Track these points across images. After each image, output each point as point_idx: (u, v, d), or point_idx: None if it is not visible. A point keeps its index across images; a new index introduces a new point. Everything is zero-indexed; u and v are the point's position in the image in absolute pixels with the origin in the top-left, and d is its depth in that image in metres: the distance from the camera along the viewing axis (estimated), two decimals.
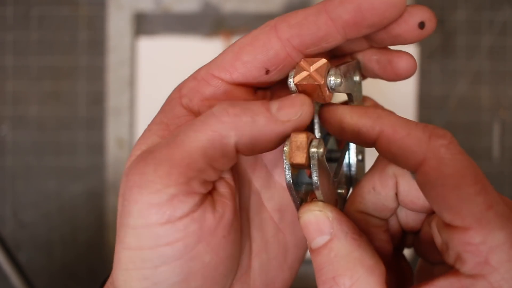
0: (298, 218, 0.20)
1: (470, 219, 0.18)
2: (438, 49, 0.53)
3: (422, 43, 0.53)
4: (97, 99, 0.54)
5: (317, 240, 0.20)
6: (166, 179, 0.18)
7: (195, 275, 0.19)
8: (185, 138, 0.19)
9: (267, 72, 0.21)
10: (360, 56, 0.23)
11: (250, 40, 0.21)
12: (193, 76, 0.22)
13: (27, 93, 0.54)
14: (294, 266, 0.24)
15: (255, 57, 0.21)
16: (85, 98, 0.54)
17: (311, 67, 0.20)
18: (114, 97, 0.54)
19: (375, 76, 0.24)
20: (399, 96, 0.52)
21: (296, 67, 0.21)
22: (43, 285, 0.54)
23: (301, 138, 0.19)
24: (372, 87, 0.51)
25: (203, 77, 0.22)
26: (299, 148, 0.19)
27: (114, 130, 0.54)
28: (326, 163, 0.20)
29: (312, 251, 0.20)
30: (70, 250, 0.54)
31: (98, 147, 0.54)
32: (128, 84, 0.53)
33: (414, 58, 0.23)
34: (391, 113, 0.21)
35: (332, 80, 0.20)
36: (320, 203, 0.20)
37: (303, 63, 0.20)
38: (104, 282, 0.24)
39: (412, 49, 0.51)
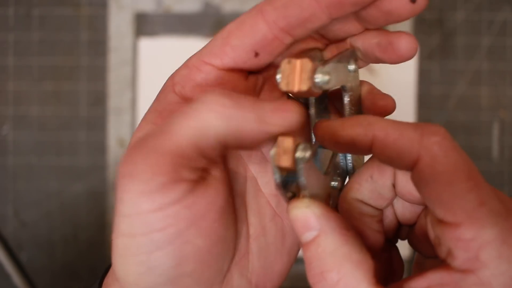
0: (287, 211, 0.21)
1: (462, 215, 0.18)
2: (437, 49, 0.54)
3: (422, 43, 0.53)
4: (98, 99, 0.54)
5: (306, 236, 0.20)
6: (156, 167, 0.19)
7: (189, 259, 0.20)
8: (175, 126, 0.19)
9: (256, 54, 0.21)
10: (360, 42, 0.24)
11: (238, 24, 0.22)
12: (185, 64, 0.22)
13: (28, 93, 0.54)
14: (292, 250, 0.25)
15: (243, 41, 0.21)
16: (86, 98, 0.54)
17: (296, 70, 0.20)
18: (115, 97, 0.54)
19: (377, 60, 0.24)
20: (398, 96, 0.52)
21: (281, 68, 0.20)
22: (45, 284, 0.54)
23: (288, 142, 0.19)
24: None
25: (194, 64, 0.22)
26: (285, 152, 0.20)
27: (115, 130, 0.54)
28: (314, 164, 0.21)
29: (302, 246, 0.20)
30: (72, 250, 0.54)
31: (99, 147, 0.54)
32: (129, 84, 0.54)
33: (414, 37, 0.23)
34: (382, 118, 0.21)
35: (319, 79, 0.20)
36: (306, 200, 0.20)
37: (287, 66, 0.20)
38: (107, 270, 0.24)
39: None
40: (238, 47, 0.22)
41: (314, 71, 0.20)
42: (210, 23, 0.54)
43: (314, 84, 0.20)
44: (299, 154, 0.19)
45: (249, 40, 0.21)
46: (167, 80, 0.23)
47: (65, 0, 0.54)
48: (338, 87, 0.22)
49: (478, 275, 0.18)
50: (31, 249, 0.54)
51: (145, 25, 0.54)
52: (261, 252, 0.24)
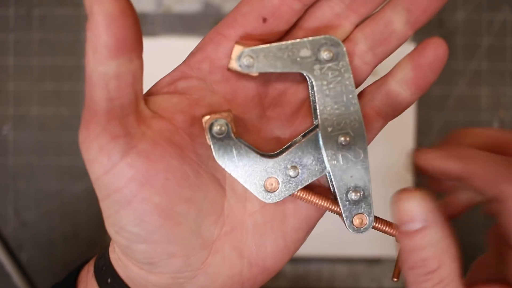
0: (395, 201, 0.22)
1: None
2: None
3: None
4: None
5: (410, 225, 0.21)
6: (92, 133, 0.20)
7: (151, 215, 0.21)
8: (91, 91, 0.20)
9: (264, 20, 0.22)
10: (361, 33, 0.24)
11: None
12: (204, 39, 0.24)
13: (28, 93, 0.54)
14: (289, 236, 0.25)
15: (251, 7, 0.22)
16: None
17: (233, 51, 0.22)
18: None
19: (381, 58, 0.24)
20: None
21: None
22: (45, 284, 0.54)
23: (205, 119, 0.22)
24: None
25: (210, 37, 0.23)
26: (205, 129, 0.22)
27: None
28: (238, 141, 0.22)
29: (401, 233, 0.21)
30: (72, 249, 0.54)
31: None
32: None
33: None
34: (476, 151, 0.23)
35: (240, 62, 0.22)
36: (419, 193, 0.21)
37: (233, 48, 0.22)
38: (81, 265, 0.28)
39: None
40: (247, 14, 0.22)
41: (240, 55, 0.22)
42: (210, 23, 0.54)
43: (240, 65, 0.22)
44: (215, 128, 0.22)
45: (257, 6, 0.22)
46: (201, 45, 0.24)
47: (65, 0, 0.54)
48: (281, 71, 0.23)
49: None
50: (31, 249, 0.54)
51: (145, 25, 0.54)
52: (256, 228, 0.24)
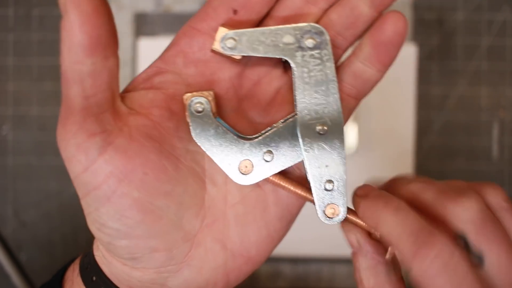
0: (341, 227, 0.24)
1: None
2: (437, 50, 0.54)
3: (422, 43, 0.53)
4: None
5: (354, 249, 0.24)
6: (69, 131, 0.20)
7: (131, 211, 0.22)
8: (67, 89, 0.20)
9: (235, 12, 0.22)
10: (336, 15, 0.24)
11: None
12: (179, 33, 0.24)
13: (28, 93, 0.54)
14: (271, 225, 0.25)
15: (222, 0, 0.23)
16: None
17: (217, 33, 0.22)
18: None
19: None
20: (398, 96, 0.52)
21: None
22: None
23: (186, 96, 0.22)
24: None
25: (184, 31, 0.24)
26: (185, 106, 0.23)
27: None
28: (216, 121, 0.23)
29: (352, 253, 0.24)
30: (71, 250, 0.54)
31: None
32: None
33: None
34: (390, 213, 0.22)
35: (223, 44, 0.22)
36: (347, 224, 0.24)
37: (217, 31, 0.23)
38: (66, 265, 0.28)
39: (411, 49, 0.51)
40: (218, 7, 0.23)
41: (224, 37, 0.22)
42: None
43: (222, 47, 0.22)
44: (193, 107, 0.22)
45: None
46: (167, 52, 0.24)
47: None
48: (263, 55, 0.23)
49: None
50: (31, 249, 0.54)
51: (144, 25, 0.54)
52: (238, 219, 0.24)
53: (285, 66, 0.25)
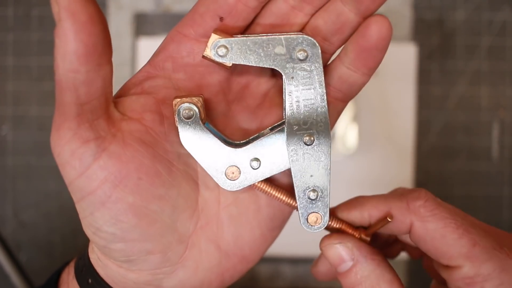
0: (320, 248, 0.25)
1: (461, 259, 0.22)
2: (437, 49, 0.54)
3: (422, 43, 0.53)
4: None
5: (342, 267, 0.24)
6: (63, 137, 0.21)
7: (126, 215, 0.22)
8: (61, 96, 0.20)
9: (221, 19, 0.23)
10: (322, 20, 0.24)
11: None
12: (167, 38, 0.24)
13: (27, 93, 0.54)
14: (264, 225, 0.25)
15: (208, 7, 0.23)
16: None
17: (209, 40, 0.23)
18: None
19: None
20: (398, 96, 0.52)
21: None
22: None
23: (175, 101, 0.23)
24: (371, 87, 0.51)
25: (172, 35, 0.24)
26: (174, 111, 0.23)
27: None
28: (204, 127, 0.23)
29: (339, 274, 0.24)
30: (71, 250, 0.54)
31: None
32: None
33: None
34: (370, 197, 0.25)
35: (214, 51, 0.22)
36: (336, 235, 0.24)
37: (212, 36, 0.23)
38: (61, 268, 0.27)
39: (411, 49, 0.51)
40: (204, 14, 0.23)
41: (216, 44, 0.22)
42: None
43: (214, 54, 0.22)
44: (182, 112, 0.23)
45: (213, 6, 0.22)
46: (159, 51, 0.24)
47: None
48: (254, 65, 0.23)
49: None
50: (30, 249, 0.54)
51: (144, 25, 0.54)
52: (231, 220, 0.25)
53: (273, 69, 0.25)
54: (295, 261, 0.53)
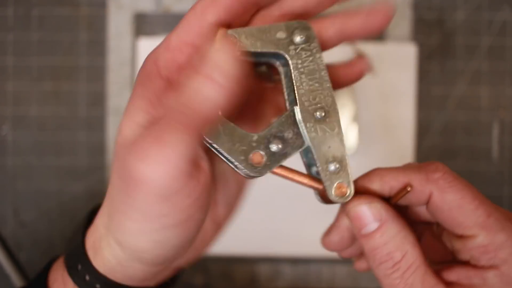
0: (347, 211, 0.24)
1: (477, 228, 0.23)
2: (437, 49, 0.54)
3: (422, 43, 0.53)
4: (98, 100, 0.54)
5: (368, 228, 0.24)
6: (168, 173, 0.21)
7: (191, 231, 0.23)
8: (170, 139, 0.20)
9: (229, 26, 0.23)
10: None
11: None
12: (165, 46, 0.24)
13: (27, 93, 0.54)
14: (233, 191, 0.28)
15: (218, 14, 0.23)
16: (85, 98, 0.54)
17: (217, 35, 0.23)
18: (115, 98, 0.54)
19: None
20: (398, 96, 0.52)
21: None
22: None
23: None
24: (371, 87, 0.51)
25: (175, 46, 0.24)
26: None
27: (114, 131, 0.54)
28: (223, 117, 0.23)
29: (362, 237, 0.24)
30: None
31: (98, 148, 0.54)
32: (129, 84, 0.54)
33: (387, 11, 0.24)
34: (389, 169, 0.25)
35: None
36: (365, 196, 0.24)
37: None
38: (50, 264, 0.29)
39: (411, 49, 0.51)
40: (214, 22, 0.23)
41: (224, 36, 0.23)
42: None
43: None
44: None
45: (224, 13, 0.23)
46: (147, 62, 0.24)
47: (64, 0, 0.54)
48: (260, 50, 0.24)
49: (500, 270, 0.23)
50: (30, 249, 0.54)
51: (144, 25, 0.54)
52: (226, 200, 0.27)
53: (268, 74, 0.27)
54: (295, 261, 0.53)
